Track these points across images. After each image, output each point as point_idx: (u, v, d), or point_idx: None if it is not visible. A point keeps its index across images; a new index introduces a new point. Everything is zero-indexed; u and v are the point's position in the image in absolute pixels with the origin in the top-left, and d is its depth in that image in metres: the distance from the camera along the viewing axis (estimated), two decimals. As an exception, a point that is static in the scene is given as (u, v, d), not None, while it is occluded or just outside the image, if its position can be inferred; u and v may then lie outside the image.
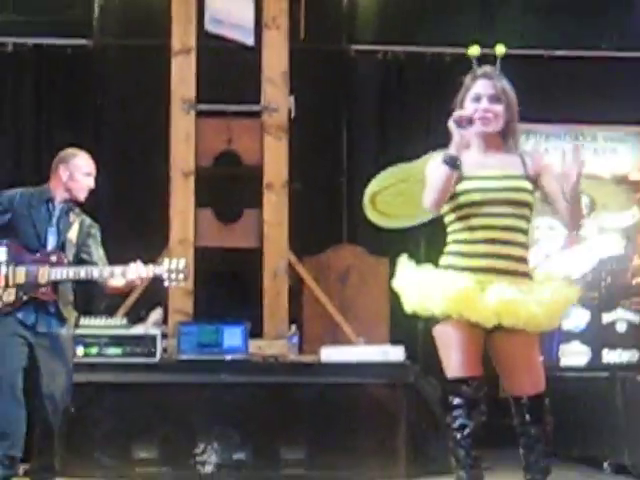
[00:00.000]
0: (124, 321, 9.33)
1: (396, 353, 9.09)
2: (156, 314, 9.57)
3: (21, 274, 7.02)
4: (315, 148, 11.17)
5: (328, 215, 11.67)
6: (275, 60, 10.20)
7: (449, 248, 5.37)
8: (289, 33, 10.34)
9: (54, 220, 7.22)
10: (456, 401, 5.29)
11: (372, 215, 6.46)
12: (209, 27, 10.25)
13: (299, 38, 10.87)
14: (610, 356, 12.62)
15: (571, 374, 11.38)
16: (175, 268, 7.13)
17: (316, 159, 11.22)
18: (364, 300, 10.74)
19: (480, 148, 5.31)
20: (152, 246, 9.78)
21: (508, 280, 5.17)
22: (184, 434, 8.65)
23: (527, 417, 5.39)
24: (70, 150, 7.49)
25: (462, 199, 5.25)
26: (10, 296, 7.03)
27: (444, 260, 5.35)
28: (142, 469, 8.47)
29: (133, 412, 8.69)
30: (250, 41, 10.27)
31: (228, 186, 10.18)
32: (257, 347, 9.36)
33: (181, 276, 7.17)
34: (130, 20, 11.67)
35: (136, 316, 9.52)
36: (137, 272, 7.02)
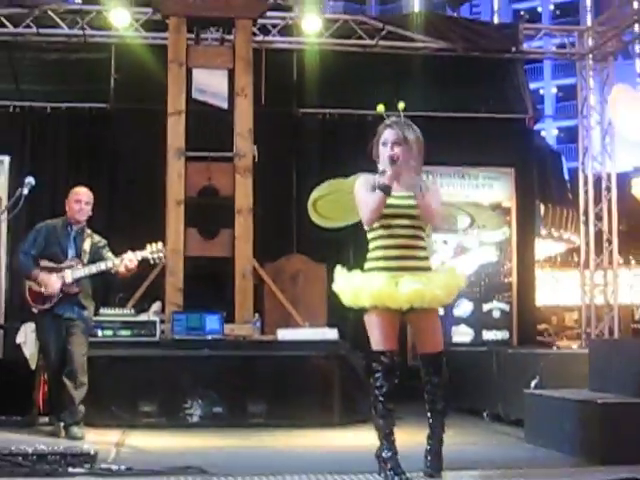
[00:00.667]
0: (132, 311, 9.33)
1: (332, 333, 9.15)
2: (156, 306, 9.61)
3: (53, 279, 7.48)
4: (272, 184, 11.17)
5: (282, 233, 11.70)
6: (243, 119, 10.22)
7: (370, 255, 5.37)
8: (253, 99, 10.37)
9: (71, 238, 7.71)
10: (377, 367, 5.32)
11: (314, 216, 6.52)
12: (195, 95, 10.30)
13: (261, 103, 10.88)
14: (487, 335, 12.79)
15: (460, 348, 11.48)
16: (155, 249, 7.74)
17: (273, 192, 11.21)
18: (308, 295, 10.77)
19: (393, 175, 5.30)
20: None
21: (414, 275, 5.21)
22: (176, 394, 8.62)
23: (431, 369, 5.43)
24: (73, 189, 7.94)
25: (382, 213, 5.29)
26: (52, 298, 7.51)
27: (368, 264, 5.35)
28: (146, 419, 8.44)
29: (139, 377, 8.65)
30: (225, 105, 10.33)
31: (208, 212, 10.17)
32: (230, 329, 9.36)
33: (161, 254, 7.82)
34: (137, 90, 11.65)
35: (141, 307, 9.54)
36: (129, 258, 7.54)
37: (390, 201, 5.21)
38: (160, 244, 7.80)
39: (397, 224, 5.28)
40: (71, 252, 7.68)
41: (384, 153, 5.29)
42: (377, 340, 5.32)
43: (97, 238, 7.89)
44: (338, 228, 6.30)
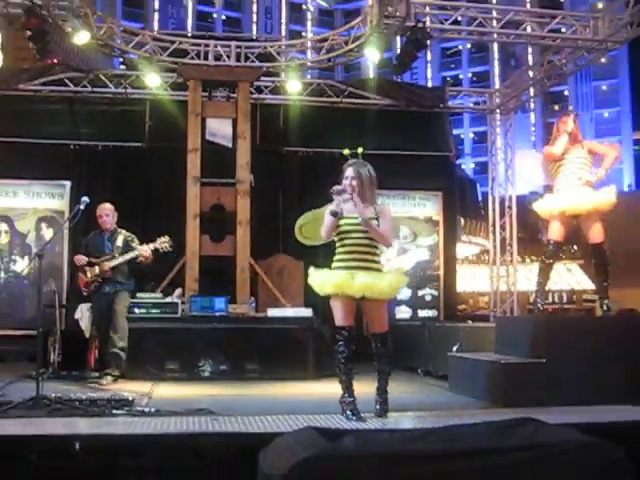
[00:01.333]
0: (161, 295, 9.28)
1: (307, 312, 9.14)
2: (178, 291, 9.56)
3: (95, 269, 8.03)
4: (264, 203, 11.15)
5: (271, 239, 11.66)
6: (243, 155, 10.22)
7: (335, 257, 5.48)
8: (250, 141, 10.37)
9: (105, 239, 8.20)
10: (339, 338, 5.37)
11: (300, 238, 6.50)
12: (208, 137, 10.31)
13: (256, 143, 10.85)
14: (422, 313, 12.82)
15: (401, 323, 11.46)
16: (162, 240, 8.16)
17: (264, 209, 11.21)
18: (290, 284, 10.76)
19: (353, 202, 5.34)
20: (178, 254, 9.78)
21: (367, 272, 5.31)
22: (193, 356, 8.60)
23: (379, 344, 5.48)
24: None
25: (341, 229, 5.41)
26: (95, 282, 8.04)
27: (333, 264, 5.47)
28: (170, 375, 8.42)
29: (165, 344, 8.65)
30: (230, 145, 10.34)
31: (217, 223, 10.15)
32: (233, 308, 9.32)
33: (166, 244, 8.16)
34: (165, 133, 11.57)
35: (167, 292, 9.48)
36: (144, 249, 8.02)
37: (346, 221, 5.40)
38: (166, 237, 8.18)
39: (353, 237, 5.42)
40: (107, 249, 8.09)
41: (345, 185, 5.45)
42: (339, 318, 5.41)
43: (127, 234, 8.29)
44: (319, 245, 6.37)
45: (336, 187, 5.40)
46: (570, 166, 7.10)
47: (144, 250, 7.99)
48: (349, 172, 5.47)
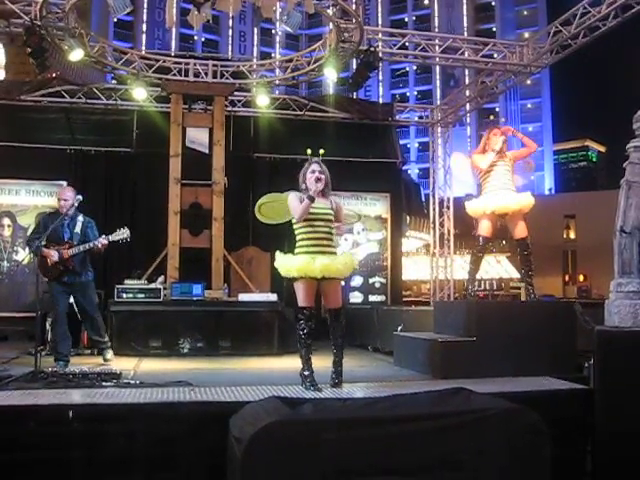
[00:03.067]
0: (145, 281, 9.17)
1: (273, 297, 9.07)
2: (161, 279, 9.42)
3: (56, 256, 6.85)
4: (236, 202, 11.05)
5: (242, 233, 11.59)
6: (218, 160, 10.14)
7: (298, 243, 5.43)
8: (225, 147, 10.30)
9: (66, 224, 6.95)
10: (301, 317, 5.37)
11: (259, 216, 6.55)
12: (188, 144, 10.21)
13: (230, 150, 10.80)
14: (372, 298, 12.80)
15: (354, 307, 11.48)
16: (121, 232, 7.06)
17: (237, 207, 11.11)
18: (258, 273, 10.69)
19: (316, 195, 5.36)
20: (160, 246, 9.78)
21: (326, 255, 5.33)
22: (173, 334, 8.50)
23: (333, 318, 5.50)
24: None
25: (308, 216, 5.35)
26: (54, 269, 6.90)
27: (296, 250, 5.43)
28: (153, 351, 8.30)
29: (149, 324, 8.54)
30: (207, 151, 10.23)
31: (195, 219, 10.03)
32: (208, 293, 9.24)
33: (124, 235, 7.07)
34: (150, 140, 11.44)
35: (151, 279, 9.37)
36: (102, 240, 6.91)
37: (313, 209, 5.32)
38: (125, 229, 7.12)
39: (316, 224, 5.38)
40: (66, 236, 6.96)
41: (311, 177, 5.41)
42: (301, 299, 5.39)
43: (87, 219, 7.15)
44: (275, 224, 6.39)
45: (317, 177, 5.37)
46: (497, 174, 7.21)
47: (101, 242, 6.92)
48: (316, 166, 5.45)
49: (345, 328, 5.57)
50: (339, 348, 5.57)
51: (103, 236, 7.00)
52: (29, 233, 7.26)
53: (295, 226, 5.46)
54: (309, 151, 5.60)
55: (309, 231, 5.40)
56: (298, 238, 5.47)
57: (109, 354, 7.35)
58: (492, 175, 7.23)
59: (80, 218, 7.08)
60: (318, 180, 5.38)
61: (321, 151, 5.60)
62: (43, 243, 6.76)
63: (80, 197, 6.80)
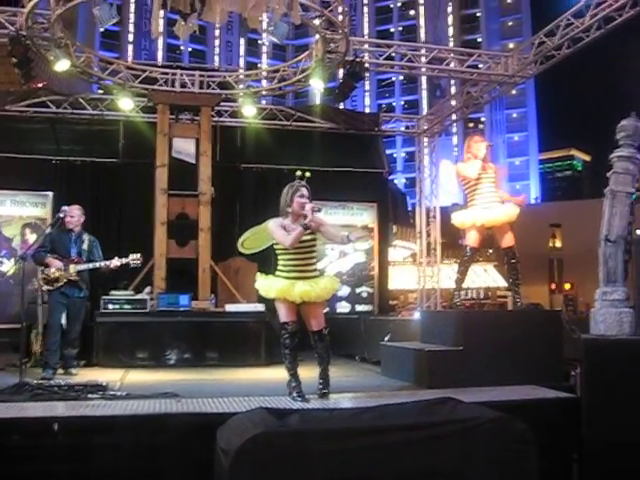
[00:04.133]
0: (132, 292, 9.15)
1: (260, 307, 8.98)
2: (147, 289, 9.40)
3: (62, 269, 7.12)
4: (223, 212, 11.09)
5: (228, 243, 11.41)
6: (205, 170, 10.14)
7: (279, 266, 5.49)
8: (211, 158, 10.30)
9: (73, 240, 7.27)
10: (284, 332, 5.40)
11: (241, 249, 6.59)
12: (174, 154, 10.21)
13: (216, 160, 10.77)
14: (359, 308, 12.82)
15: (341, 316, 11.50)
16: (134, 257, 7.52)
17: (223, 217, 11.14)
18: (245, 283, 10.52)
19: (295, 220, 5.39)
20: (147, 256, 9.60)
21: (306, 281, 5.37)
22: (160, 346, 8.49)
23: (316, 339, 5.52)
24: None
25: None
26: (58, 281, 7.10)
27: (277, 272, 5.49)
28: (140, 362, 8.29)
29: (136, 335, 8.53)
30: (193, 161, 10.24)
31: (182, 229, 10.01)
32: (195, 304, 9.23)
33: (138, 261, 7.61)
34: (137, 150, 11.42)
35: (138, 290, 9.33)
36: (115, 263, 7.32)
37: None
38: (138, 254, 7.59)
39: (298, 249, 5.39)
40: (73, 252, 7.28)
41: (301, 202, 5.40)
42: (282, 316, 5.45)
43: (92, 238, 7.50)
44: (258, 252, 6.53)
45: (312, 205, 5.35)
46: (485, 186, 7.23)
47: (114, 264, 7.34)
48: (305, 191, 5.44)
49: (329, 346, 5.60)
50: (324, 363, 5.58)
51: (116, 258, 7.37)
52: (35, 246, 7.38)
53: (276, 247, 5.49)
54: (299, 173, 5.65)
55: (290, 258, 5.42)
56: (279, 261, 5.51)
57: (75, 370, 7.37)
58: (478, 187, 7.26)
59: (86, 236, 7.41)
60: (312, 210, 5.33)
61: (307, 174, 5.65)
62: (49, 256, 7.09)
63: (66, 208, 6.92)
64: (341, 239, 5.54)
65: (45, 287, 7.20)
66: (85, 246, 7.34)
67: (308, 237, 5.40)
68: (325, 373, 5.56)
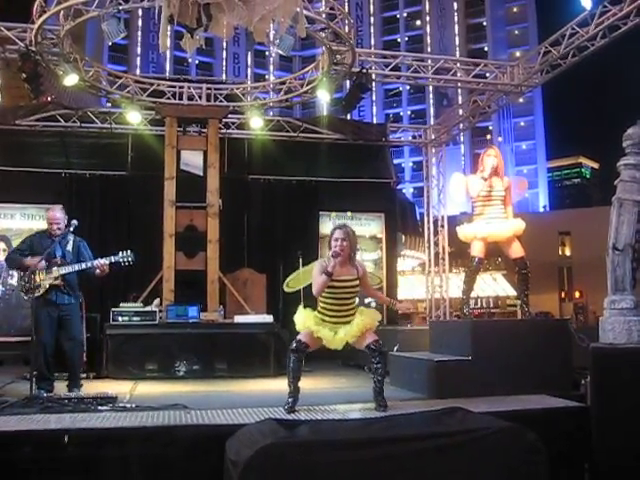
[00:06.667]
0: (141, 304, 9.17)
1: (268, 318, 9.06)
2: (156, 301, 9.43)
3: (44, 273, 6.43)
4: (231, 224, 11.11)
5: (237, 255, 11.61)
6: (212, 182, 10.16)
7: (320, 305, 5.48)
8: (219, 170, 10.33)
9: (57, 242, 6.51)
10: (293, 350, 5.41)
11: (286, 289, 6.64)
12: (182, 166, 10.23)
13: (224, 172, 10.79)
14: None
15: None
16: (125, 255, 6.62)
17: (231, 229, 11.16)
18: (254, 294, 10.66)
19: (340, 263, 5.35)
20: (156, 268, 9.78)
21: (345, 326, 5.41)
22: (169, 357, 8.49)
23: (371, 355, 5.51)
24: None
25: (331, 284, 5.33)
26: (40, 288, 6.42)
27: (318, 310, 5.48)
28: (149, 374, 8.30)
29: (145, 347, 8.54)
30: (201, 173, 10.25)
31: (190, 241, 10.02)
32: (204, 316, 9.23)
33: (129, 258, 6.66)
34: (145, 163, 11.48)
35: (147, 302, 9.36)
36: (102, 261, 6.54)
37: (335, 281, 5.31)
38: (129, 251, 6.68)
39: (338, 293, 5.38)
40: (58, 253, 6.57)
41: (333, 246, 5.41)
42: (302, 336, 5.40)
43: (78, 238, 6.78)
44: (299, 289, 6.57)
45: (334, 251, 5.34)
46: (494, 200, 7.32)
47: (100, 263, 6.54)
48: (338, 234, 5.41)
49: (384, 369, 5.52)
50: (379, 374, 5.50)
51: (105, 258, 6.62)
52: (10, 250, 6.82)
53: None
54: (333, 214, 5.61)
55: (331, 302, 5.41)
56: (320, 301, 5.47)
57: (75, 391, 6.47)
58: (485, 202, 7.32)
59: (70, 237, 6.73)
60: (337, 255, 5.32)
61: (349, 213, 5.62)
62: (28, 258, 6.50)
63: (76, 222, 6.57)
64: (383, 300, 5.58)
65: (25, 296, 6.47)
66: (70, 247, 6.68)
67: (350, 281, 5.39)
68: (379, 390, 5.49)
